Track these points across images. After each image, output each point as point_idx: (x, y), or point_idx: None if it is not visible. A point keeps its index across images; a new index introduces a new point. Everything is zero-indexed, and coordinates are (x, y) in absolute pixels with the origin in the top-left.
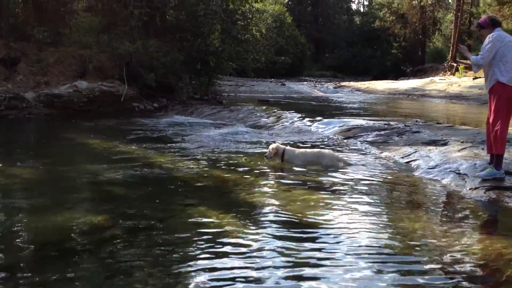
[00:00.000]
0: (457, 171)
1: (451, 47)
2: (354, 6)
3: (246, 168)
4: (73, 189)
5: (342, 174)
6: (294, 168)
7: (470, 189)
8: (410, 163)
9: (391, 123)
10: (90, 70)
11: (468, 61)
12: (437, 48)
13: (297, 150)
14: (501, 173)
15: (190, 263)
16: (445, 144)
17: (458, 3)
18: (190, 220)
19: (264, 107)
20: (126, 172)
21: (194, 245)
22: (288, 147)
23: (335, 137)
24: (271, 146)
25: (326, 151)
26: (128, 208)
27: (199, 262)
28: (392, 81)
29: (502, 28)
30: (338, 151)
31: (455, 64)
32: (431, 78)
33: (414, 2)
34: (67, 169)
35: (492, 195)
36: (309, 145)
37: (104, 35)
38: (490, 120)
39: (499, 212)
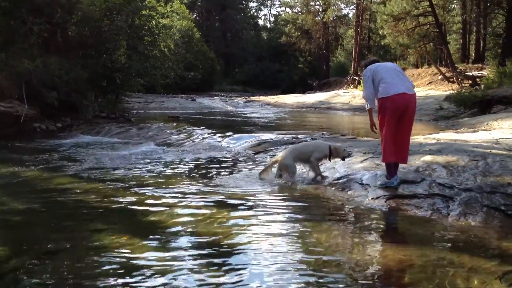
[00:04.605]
0: (360, 182)
1: (353, 61)
2: (261, 22)
3: (155, 188)
4: None
5: (252, 189)
6: (205, 185)
7: (372, 198)
8: None
9: (299, 136)
10: None
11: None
12: (340, 62)
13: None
14: (391, 182)
15: None
16: (349, 155)
17: (358, 19)
18: (97, 245)
19: (174, 124)
20: (27, 199)
21: (102, 270)
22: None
23: (246, 152)
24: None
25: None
26: (30, 237)
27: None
28: (300, 94)
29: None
30: (249, 166)
31: (357, 78)
32: (336, 91)
33: (317, 18)
34: None
35: (392, 203)
36: (221, 161)
37: (0, 53)
38: (382, 134)
39: (399, 220)
